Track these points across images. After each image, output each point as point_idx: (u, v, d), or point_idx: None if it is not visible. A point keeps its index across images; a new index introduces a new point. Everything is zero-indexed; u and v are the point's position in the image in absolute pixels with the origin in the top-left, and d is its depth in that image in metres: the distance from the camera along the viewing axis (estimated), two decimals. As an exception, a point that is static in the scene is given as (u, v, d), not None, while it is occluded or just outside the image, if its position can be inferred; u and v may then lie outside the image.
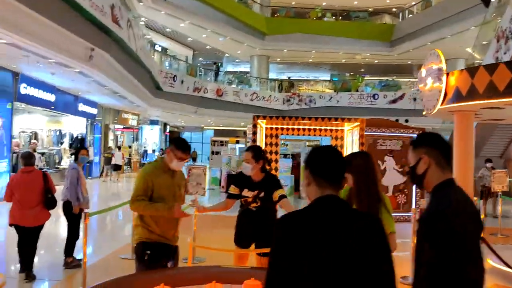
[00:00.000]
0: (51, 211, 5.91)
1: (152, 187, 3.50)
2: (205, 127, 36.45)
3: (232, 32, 24.93)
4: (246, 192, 4.20)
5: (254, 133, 8.83)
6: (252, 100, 27.73)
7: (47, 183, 5.78)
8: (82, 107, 18.70)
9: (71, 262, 6.11)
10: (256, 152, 4.15)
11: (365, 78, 29.78)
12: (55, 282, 5.86)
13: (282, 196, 4.12)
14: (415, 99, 26.48)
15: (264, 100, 28.29)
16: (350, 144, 9.77)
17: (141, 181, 3.53)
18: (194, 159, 32.96)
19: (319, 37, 27.43)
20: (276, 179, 4.36)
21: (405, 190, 10.04)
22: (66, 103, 17.07)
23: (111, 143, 23.57)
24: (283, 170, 15.94)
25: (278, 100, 28.79)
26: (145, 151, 30.29)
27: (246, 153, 4.26)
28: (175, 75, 22.75)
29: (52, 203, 5.78)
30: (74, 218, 6.25)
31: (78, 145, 20.29)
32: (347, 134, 10.36)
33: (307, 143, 36.19)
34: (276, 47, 28.37)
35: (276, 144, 9.58)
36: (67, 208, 6.21)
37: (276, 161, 9.41)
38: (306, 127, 10.24)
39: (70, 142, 19.86)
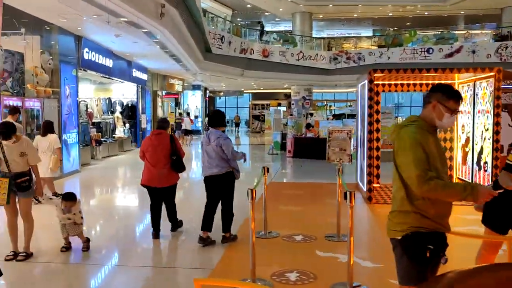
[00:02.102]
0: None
1: (427, 158, 2.56)
2: (244, 91, 35.38)
3: (276, -12, 23.49)
4: None
5: (371, 90, 7.78)
6: (298, 60, 26.48)
7: (174, 145, 5.84)
8: (135, 73, 17.87)
9: (229, 237, 5.68)
10: None
11: (417, 32, 27.93)
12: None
13: None
14: (473, 52, 24.89)
15: (311, 60, 27.01)
16: (470, 102, 8.66)
17: (418, 149, 2.53)
18: (238, 125, 32.10)
19: (367, -12, 25.79)
20: None
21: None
22: (121, 69, 16.25)
23: (159, 110, 22.84)
24: (356, 131, 14.94)
25: (324, 59, 27.46)
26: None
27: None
28: (223, 36, 21.63)
29: (178, 166, 5.84)
30: (232, 190, 5.64)
31: (129, 113, 19.67)
32: (460, 88, 9.23)
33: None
34: (320, 2, 26.83)
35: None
36: (229, 179, 5.54)
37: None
38: (418, 81, 9.18)
39: (121, 110, 19.17)
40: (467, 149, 8.85)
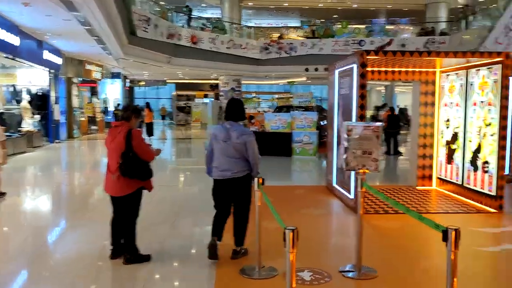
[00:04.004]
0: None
1: None
2: (167, 81, 33.00)
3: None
4: None
5: (363, 76, 6.39)
6: (228, 48, 24.89)
7: (129, 143, 4.39)
8: (47, 55, 15.14)
9: (240, 251, 4.72)
10: None
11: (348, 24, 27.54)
12: None
13: None
14: (403, 45, 24.96)
15: (241, 48, 25.56)
16: (459, 93, 7.63)
17: None
18: (164, 117, 29.72)
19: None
20: None
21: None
22: (29, 49, 13.57)
23: (75, 100, 20.04)
24: (305, 125, 13.72)
25: (255, 48, 26.18)
26: (106, 108, 26.71)
27: None
28: (149, 18, 19.34)
29: (128, 170, 4.36)
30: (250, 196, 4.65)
31: (40, 103, 16.78)
32: (441, 78, 8.21)
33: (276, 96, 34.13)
34: (252, -13, 25.49)
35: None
36: (249, 183, 4.61)
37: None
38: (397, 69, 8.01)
39: (29, 99, 16.23)
40: (454, 147, 7.85)
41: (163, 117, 29.89)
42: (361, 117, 6.45)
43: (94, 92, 25.22)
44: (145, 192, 4.64)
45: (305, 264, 4.41)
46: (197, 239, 5.50)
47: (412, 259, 4.76)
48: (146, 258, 4.59)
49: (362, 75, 6.44)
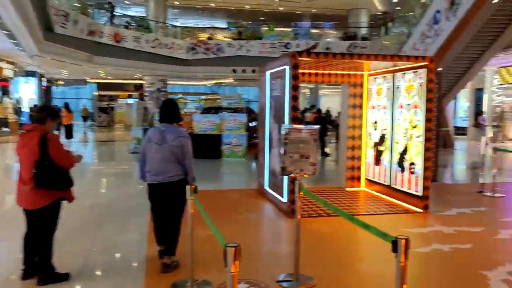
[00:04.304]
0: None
1: None
2: (88, 80, 31.36)
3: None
4: None
5: (296, 78, 6.26)
6: (154, 47, 24.15)
7: (44, 150, 3.88)
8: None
9: (171, 264, 4.36)
10: None
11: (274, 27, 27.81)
12: None
13: None
14: (327, 49, 25.63)
15: (167, 48, 24.94)
16: (386, 95, 7.79)
17: None
18: (85, 118, 28.16)
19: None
20: None
21: None
22: None
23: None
24: (234, 126, 13.53)
25: (182, 48, 25.66)
26: (19, 108, 24.80)
27: None
28: (67, 13, 18.18)
29: (43, 179, 3.86)
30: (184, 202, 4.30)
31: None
32: (369, 81, 8.36)
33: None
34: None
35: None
36: (183, 188, 4.18)
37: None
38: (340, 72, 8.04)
39: None
40: (381, 148, 8.01)
41: (85, 119, 28.35)
42: (294, 119, 6.34)
43: (5, 92, 23.31)
44: (64, 202, 4.16)
45: (241, 275, 4.15)
46: (122, 251, 5.07)
47: (350, 265, 4.69)
48: (64, 277, 4.11)
49: (295, 77, 6.33)
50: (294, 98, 6.33)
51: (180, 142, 4.30)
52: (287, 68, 6.50)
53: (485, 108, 22.43)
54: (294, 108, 6.33)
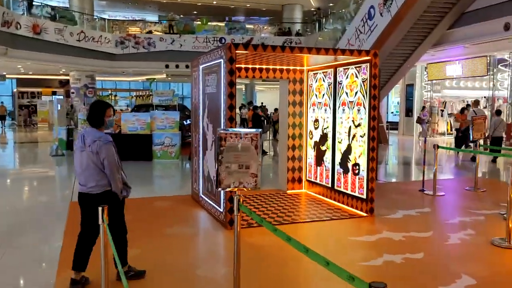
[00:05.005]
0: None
1: None
2: (7, 76, 28.82)
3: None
4: None
5: (232, 73, 5.58)
6: (79, 41, 22.53)
7: None
8: None
9: (128, 272, 4.07)
10: None
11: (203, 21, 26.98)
12: None
13: None
14: (263, 44, 25.24)
15: (94, 42, 23.39)
16: (327, 92, 7.34)
17: None
18: (3, 118, 25.79)
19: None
20: None
21: None
22: None
23: None
24: (167, 125, 12.68)
25: (110, 42, 24.21)
26: None
27: None
28: (-24, 1, 16.37)
29: None
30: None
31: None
32: (309, 77, 7.90)
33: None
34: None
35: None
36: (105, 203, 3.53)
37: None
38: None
39: None
40: (323, 148, 7.57)
41: (3, 117, 26.00)
42: (231, 119, 5.69)
43: None
44: None
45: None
46: (30, 275, 4.20)
47: (298, 285, 4.13)
48: None
49: (231, 72, 5.67)
50: (231, 96, 5.68)
51: (96, 148, 3.84)
52: (222, 62, 5.83)
53: (416, 103, 23.01)
54: (230, 107, 5.68)
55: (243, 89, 38.43)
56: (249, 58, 6.66)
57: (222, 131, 3.38)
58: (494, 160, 13.05)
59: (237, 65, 7.37)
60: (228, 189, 3.49)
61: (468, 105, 15.85)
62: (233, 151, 3.35)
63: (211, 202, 6.49)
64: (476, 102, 13.85)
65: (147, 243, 5.17)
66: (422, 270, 4.40)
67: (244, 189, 3.45)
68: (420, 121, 20.55)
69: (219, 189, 3.44)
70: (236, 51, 5.72)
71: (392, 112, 29.83)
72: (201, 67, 6.92)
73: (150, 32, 26.27)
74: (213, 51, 6.31)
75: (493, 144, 12.58)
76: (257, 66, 7.66)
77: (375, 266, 4.50)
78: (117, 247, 3.87)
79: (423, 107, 21.37)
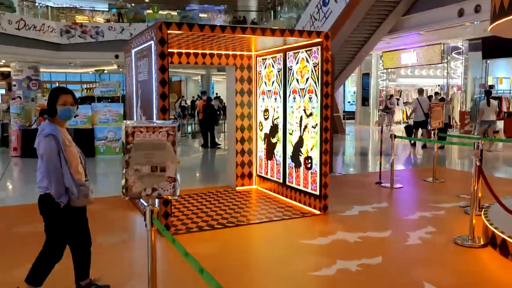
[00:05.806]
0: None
1: None
2: None
3: None
4: None
5: (163, 57, 4.84)
6: (19, 29, 21.00)
7: None
8: None
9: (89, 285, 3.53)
10: None
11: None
12: None
13: None
14: (199, 24, 24.45)
15: (36, 30, 21.88)
16: (277, 80, 6.72)
17: None
18: None
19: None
20: None
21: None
22: None
23: None
24: (110, 118, 11.77)
25: (54, 30, 22.73)
26: None
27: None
28: None
29: None
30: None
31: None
32: (258, 63, 7.25)
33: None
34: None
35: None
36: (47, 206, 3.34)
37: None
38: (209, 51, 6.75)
39: None
40: (274, 140, 6.95)
41: None
42: (164, 110, 4.96)
43: None
44: None
45: None
46: None
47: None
48: None
49: (162, 55, 4.92)
50: (163, 83, 4.94)
51: (36, 143, 3.40)
52: (152, 44, 5.07)
53: (372, 92, 22.86)
54: (163, 95, 4.95)
55: (199, 80, 37.46)
56: (191, 42, 5.93)
57: (128, 124, 2.68)
58: (442, 147, 12.90)
59: (177, 50, 6.67)
60: (139, 198, 2.80)
61: (436, 93, 15.64)
62: (144, 149, 2.66)
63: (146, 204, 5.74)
64: (421, 91, 13.60)
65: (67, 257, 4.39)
66: (380, 280, 3.86)
67: (165, 196, 2.76)
68: (387, 109, 20.35)
69: (127, 197, 2.75)
70: (169, 31, 4.97)
71: (349, 102, 29.72)
72: (133, 51, 6.13)
73: (108, 21, 24.86)
74: (144, 32, 5.53)
75: (440, 131, 12.40)
76: (200, 51, 6.92)
77: (327, 277, 3.92)
78: (76, 260, 3.60)
79: (391, 95, 21.18)
